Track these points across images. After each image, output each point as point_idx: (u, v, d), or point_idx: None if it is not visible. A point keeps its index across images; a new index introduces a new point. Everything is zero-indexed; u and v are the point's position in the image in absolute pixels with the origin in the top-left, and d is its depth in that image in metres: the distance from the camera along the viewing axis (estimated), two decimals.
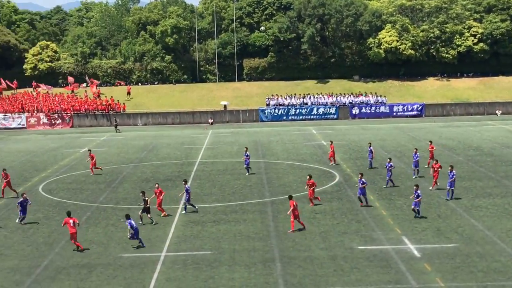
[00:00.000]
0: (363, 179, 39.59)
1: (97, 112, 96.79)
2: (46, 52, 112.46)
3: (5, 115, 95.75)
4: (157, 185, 40.03)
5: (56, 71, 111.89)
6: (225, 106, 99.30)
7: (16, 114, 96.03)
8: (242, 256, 30.89)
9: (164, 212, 38.96)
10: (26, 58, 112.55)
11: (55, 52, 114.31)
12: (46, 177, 53.20)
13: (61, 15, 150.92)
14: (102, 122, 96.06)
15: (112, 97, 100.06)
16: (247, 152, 52.58)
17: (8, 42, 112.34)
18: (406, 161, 54.94)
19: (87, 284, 27.81)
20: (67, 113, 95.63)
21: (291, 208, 34.64)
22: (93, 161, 54.03)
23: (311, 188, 40.30)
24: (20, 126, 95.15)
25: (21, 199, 37.67)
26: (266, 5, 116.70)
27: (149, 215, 37.31)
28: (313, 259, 30.24)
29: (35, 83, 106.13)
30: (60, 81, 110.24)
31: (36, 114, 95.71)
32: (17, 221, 37.65)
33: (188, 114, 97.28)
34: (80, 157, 64.26)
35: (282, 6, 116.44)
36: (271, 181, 48.98)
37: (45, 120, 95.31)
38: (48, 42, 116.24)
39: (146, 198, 37.67)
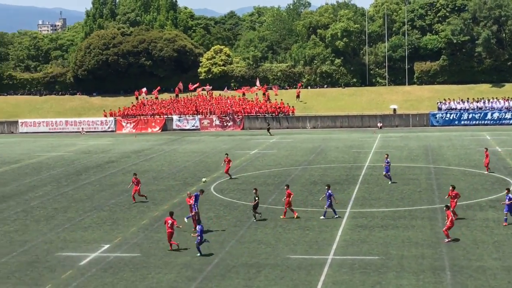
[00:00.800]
0: (510, 195, 36.61)
1: (267, 115, 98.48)
2: (220, 56, 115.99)
3: (180, 117, 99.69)
4: (286, 187, 40.40)
5: (228, 74, 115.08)
6: (394, 110, 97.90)
7: (191, 116, 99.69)
8: (410, 263, 30.29)
9: (284, 216, 39.50)
10: (201, 62, 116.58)
11: (228, 56, 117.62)
12: (217, 178, 54.76)
13: (234, 20, 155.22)
14: (272, 124, 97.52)
15: (282, 100, 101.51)
16: (388, 159, 50.73)
17: (184, 47, 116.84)
18: None
19: (255, 284, 28.31)
20: (238, 116, 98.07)
21: (450, 218, 33.33)
22: (228, 165, 54.11)
23: (454, 200, 37.72)
24: (194, 127, 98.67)
25: (196, 193, 37.48)
26: (439, 7, 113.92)
27: (254, 211, 39.05)
28: (485, 270, 29.10)
29: (208, 86, 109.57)
30: (232, 84, 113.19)
31: (209, 116, 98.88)
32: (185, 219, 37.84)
33: (356, 117, 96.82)
34: (250, 158, 65.67)
35: (456, 8, 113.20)
36: (441, 187, 47.68)
37: (217, 122, 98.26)
38: (222, 46, 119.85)
39: (257, 197, 39.00)
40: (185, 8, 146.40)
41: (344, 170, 56.64)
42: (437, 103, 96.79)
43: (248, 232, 36.67)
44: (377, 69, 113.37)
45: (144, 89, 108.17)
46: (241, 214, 40.85)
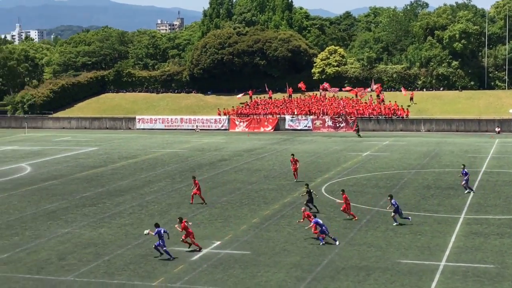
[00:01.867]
0: None
1: (380, 117, 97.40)
2: (334, 57, 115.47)
3: (292, 117, 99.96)
4: (341, 192, 40.72)
5: (342, 75, 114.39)
6: None
7: (303, 116, 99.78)
8: None
9: (353, 215, 40.09)
10: (315, 62, 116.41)
11: (342, 56, 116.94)
12: (329, 179, 54.56)
13: (350, 21, 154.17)
14: (385, 127, 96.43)
15: (395, 102, 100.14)
16: (465, 170, 48.75)
17: (299, 47, 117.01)
18: None
19: (364, 287, 28.00)
20: (351, 117, 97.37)
21: None
22: (296, 166, 53.49)
23: None
24: (306, 128, 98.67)
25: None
26: None
27: (308, 205, 41.15)
28: None
29: (322, 86, 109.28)
30: (346, 85, 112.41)
31: (322, 117, 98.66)
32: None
33: (473, 121, 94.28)
34: (362, 160, 65.08)
35: None
36: None
37: (330, 123, 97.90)
38: (336, 47, 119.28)
39: (310, 191, 41.81)
40: (301, 8, 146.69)
41: (459, 175, 55.19)
42: None
43: (358, 234, 36.36)
44: (496, 72, 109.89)
45: (240, 94, 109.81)
46: (352, 216, 40.52)
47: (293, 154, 56.34)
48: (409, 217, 38.81)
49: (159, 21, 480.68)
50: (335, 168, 60.14)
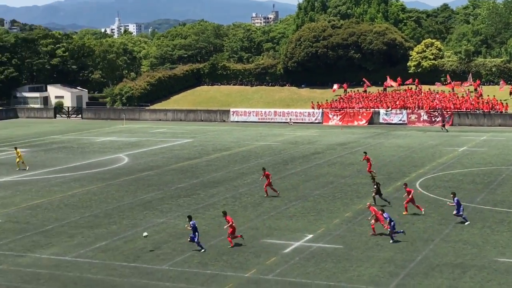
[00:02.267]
0: None
1: (478, 112, 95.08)
2: (430, 50, 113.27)
3: (387, 111, 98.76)
4: (404, 186, 40.78)
5: (438, 68, 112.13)
6: None
7: (398, 110, 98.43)
8: None
9: (406, 210, 39.78)
10: (411, 55, 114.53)
11: (439, 50, 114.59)
12: (423, 174, 53.71)
13: (448, 13, 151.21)
14: (483, 121, 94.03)
15: (494, 96, 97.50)
16: None
17: (394, 40, 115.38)
18: None
19: (459, 285, 27.47)
20: (447, 111, 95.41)
21: None
22: (369, 163, 52.48)
23: None
24: (401, 122, 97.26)
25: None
26: None
27: (379, 197, 41.48)
28: None
29: (417, 80, 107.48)
30: (442, 79, 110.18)
31: (417, 111, 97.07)
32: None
33: None
34: (458, 156, 63.74)
35: None
36: None
37: (425, 117, 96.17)
38: (433, 40, 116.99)
39: (375, 185, 41.97)
40: (397, 1, 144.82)
41: None
42: None
43: (453, 231, 35.68)
44: None
45: (335, 86, 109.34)
46: (447, 212, 39.75)
47: (365, 152, 55.97)
48: (466, 219, 37.38)
49: (254, 15, 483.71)
50: (430, 163, 59.13)
